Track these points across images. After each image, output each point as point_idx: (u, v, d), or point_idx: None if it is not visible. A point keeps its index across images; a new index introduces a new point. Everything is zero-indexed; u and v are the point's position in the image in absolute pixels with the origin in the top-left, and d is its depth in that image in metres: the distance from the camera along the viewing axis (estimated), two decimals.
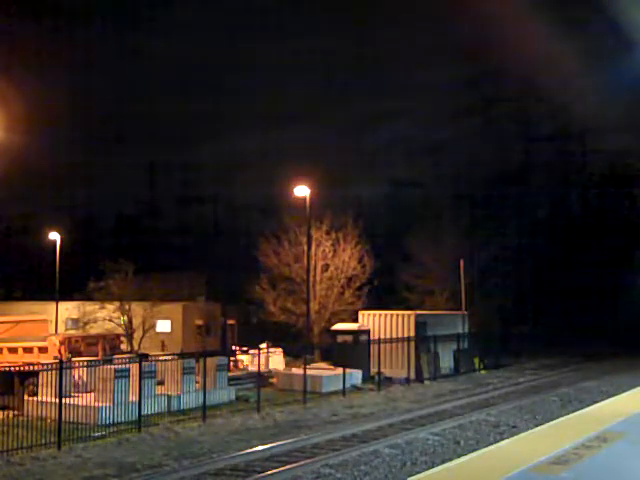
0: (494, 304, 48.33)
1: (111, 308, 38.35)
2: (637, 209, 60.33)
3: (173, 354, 26.99)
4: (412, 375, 31.02)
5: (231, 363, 31.72)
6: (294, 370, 28.88)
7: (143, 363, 20.73)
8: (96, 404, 20.02)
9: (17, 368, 21.98)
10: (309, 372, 25.99)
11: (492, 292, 49.10)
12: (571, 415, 14.61)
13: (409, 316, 32.94)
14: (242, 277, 43.32)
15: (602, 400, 19.16)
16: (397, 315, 33.17)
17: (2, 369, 22.33)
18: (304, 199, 34.32)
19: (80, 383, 21.59)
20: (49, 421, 18.92)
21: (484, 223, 52.89)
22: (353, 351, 29.97)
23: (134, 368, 20.62)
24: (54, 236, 45.50)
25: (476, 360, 36.71)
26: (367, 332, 31.91)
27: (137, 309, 38.85)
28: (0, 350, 27.60)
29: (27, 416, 20.34)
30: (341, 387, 26.72)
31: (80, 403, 19.84)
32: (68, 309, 41.99)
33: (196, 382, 23.17)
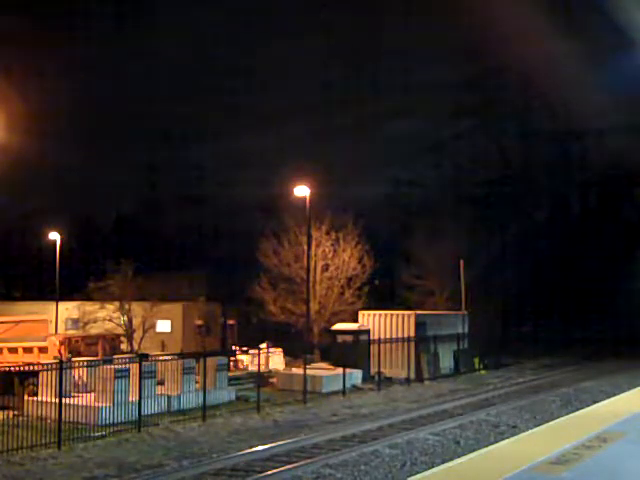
0: (494, 304, 48.30)
1: (111, 308, 38.31)
2: (637, 209, 60.30)
3: (173, 354, 27.00)
4: (412, 375, 31.02)
5: (231, 363, 31.73)
6: (294, 370, 28.88)
7: (143, 363, 20.73)
8: (96, 404, 20.03)
9: (17, 368, 22.00)
10: (309, 372, 26.00)
11: (492, 292, 49.07)
12: (571, 415, 14.60)
13: (409, 316, 32.94)
14: (242, 277, 43.28)
15: (602, 400, 19.15)
16: (397, 315, 33.17)
17: (2, 369, 22.34)
18: (304, 199, 34.32)
19: (80, 383, 21.60)
20: (49, 421, 18.91)
21: (484, 223, 52.84)
22: (353, 351, 29.96)
23: (134, 368, 20.63)
24: (54, 236, 45.48)
25: (476, 360, 36.70)
26: (367, 332, 31.91)
27: (137, 309, 38.82)
28: (0, 350, 27.61)
29: (27, 416, 20.36)
30: (341, 387, 26.73)
31: (80, 403, 19.85)
32: (68, 309, 41.97)
33: (196, 382, 23.18)
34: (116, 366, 20.82)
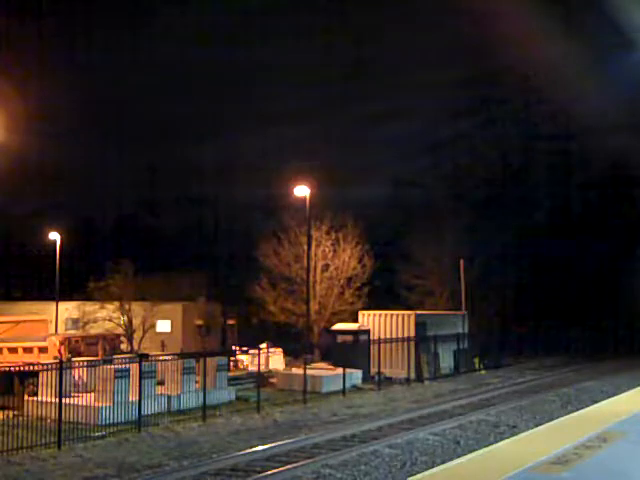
0: (494, 304, 48.30)
1: (111, 308, 38.36)
2: (637, 209, 60.26)
3: (173, 354, 27.00)
4: (412, 375, 31.03)
5: (231, 363, 31.74)
6: (294, 370, 28.89)
7: (143, 363, 20.74)
8: (96, 404, 20.03)
9: (17, 368, 22.00)
10: (309, 372, 26.00)
11: (492, 292, 49.06)
12: (571, 415, 14.60)
13: (409, 316, 32.95)
14: (242, 277, 43.31)
15: (602, 400, 19.16)
16: (397, 315, 33.17)
17: (2, 369, 22.34)
18: (304, 199, 34.34)
19: (80, 383, 21.59)
20: (49, 421, 18.91)
21: (484, 223, 52.78)
22: (353, 351, 29.97)
23: (134, 368, 20.62)
24: (54, 236, 45.52)
25: (476, 360, 36.71)
26: (367, 332, 31.91)
27: (137, 309, 38.86)
28: (0, 350, 27.61)
29: (27, 416, 20.34)
30: (341, 387, 26.73)
31: (80, 403, 19.84)
32: (68, 309, 41.99)
33: (196, 382, 23.18)
34: (116, 366, 20.81)
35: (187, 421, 20.34)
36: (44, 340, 27.57)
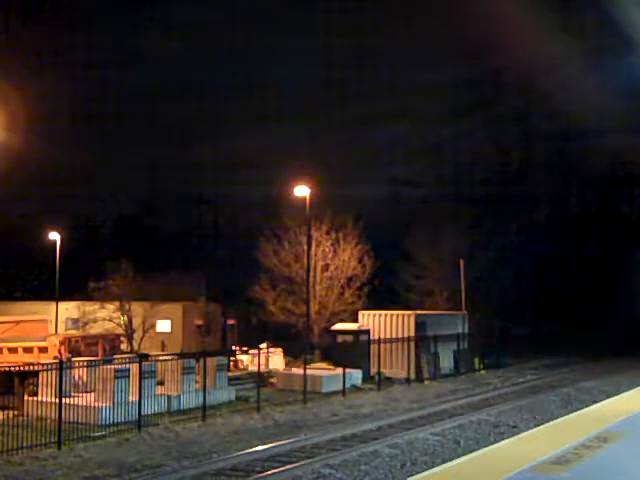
0: (494, 304, 48.29)
1: (111, 308, 38.35)
2: (637, 209, 60.31)
3: (173, 354, 27.01)
4: (412, 375, 31.04)
5: (231, 363, 31.74)
6: (294, 370, 28.90)
7: (143, 363, 20.74)
8: (96, 404, 20.04)
9: (17, 368, 22.00)
10: (309, 372, 26.01)
11: (492, 292, 49.06)
12: (571, 415, 14.59)
13: (409, 316, 32.96)
14: (242, 277, 43.27)
15: (602, 400, 19.16)
16: (397, 315, 33.18)
17: (2, 369, 22.34)
18: (304, 199, 34.34)
19: (80, 383, 21.60)
20: (49, 421, 18.93)
21: (484, 223, 52.79)
22: (353, 351, 29.98)
23: (134, 368, 20.64)
24: (54, 236, 45.52)
25: (476, 360, 36.71)
26: (367, 332, 31.93)
27: (137, 309, 38.85)
28: (0, 350, 27.61)
29: (27, 416, 20.38)
30: (341, 387, 26.74)
31: (80, 403, 19.85)
32: (68, 309, 41.99)
33: (196, 382, 23.18)
34: (116, 366, 20.83)
35: (187, 421, 20.35)
36: (44, 340, 27.56)
